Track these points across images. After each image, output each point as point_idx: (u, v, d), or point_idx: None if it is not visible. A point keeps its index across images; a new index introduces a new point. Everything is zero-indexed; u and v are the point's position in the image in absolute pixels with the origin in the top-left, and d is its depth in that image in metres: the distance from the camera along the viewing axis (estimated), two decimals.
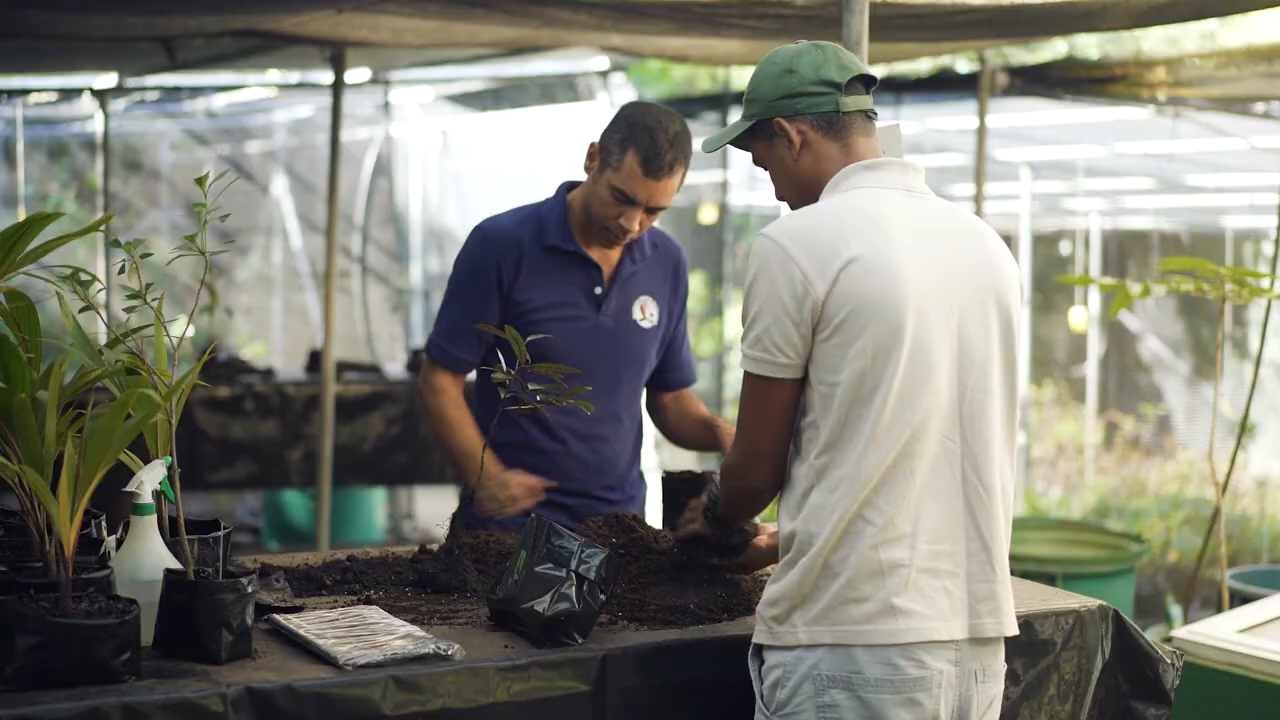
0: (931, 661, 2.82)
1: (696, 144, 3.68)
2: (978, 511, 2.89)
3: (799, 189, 3.05)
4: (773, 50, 3.10)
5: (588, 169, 3.99)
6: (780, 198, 3.13)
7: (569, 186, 4.14)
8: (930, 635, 2.81)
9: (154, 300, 2.82)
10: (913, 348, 2.80)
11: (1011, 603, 2.98)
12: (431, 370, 4.11)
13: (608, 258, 4.09)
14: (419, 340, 13.05)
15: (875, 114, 3.08)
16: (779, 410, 2.88)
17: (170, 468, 2.87)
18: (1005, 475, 2.96)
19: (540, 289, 4.01)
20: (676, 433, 4.34)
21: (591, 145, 3.97)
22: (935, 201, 3.01)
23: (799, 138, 3.00)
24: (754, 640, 2.94)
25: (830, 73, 2.99)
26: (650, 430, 4.51)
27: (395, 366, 10.03)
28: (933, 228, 2.92)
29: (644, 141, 3.84)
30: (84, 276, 2.79)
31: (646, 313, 4.14)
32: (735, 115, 10.22)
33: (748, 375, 2.89)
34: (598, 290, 4.07)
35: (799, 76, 3.00)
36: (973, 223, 3.03)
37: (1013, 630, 2.97)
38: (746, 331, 2.87)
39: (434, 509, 11.02)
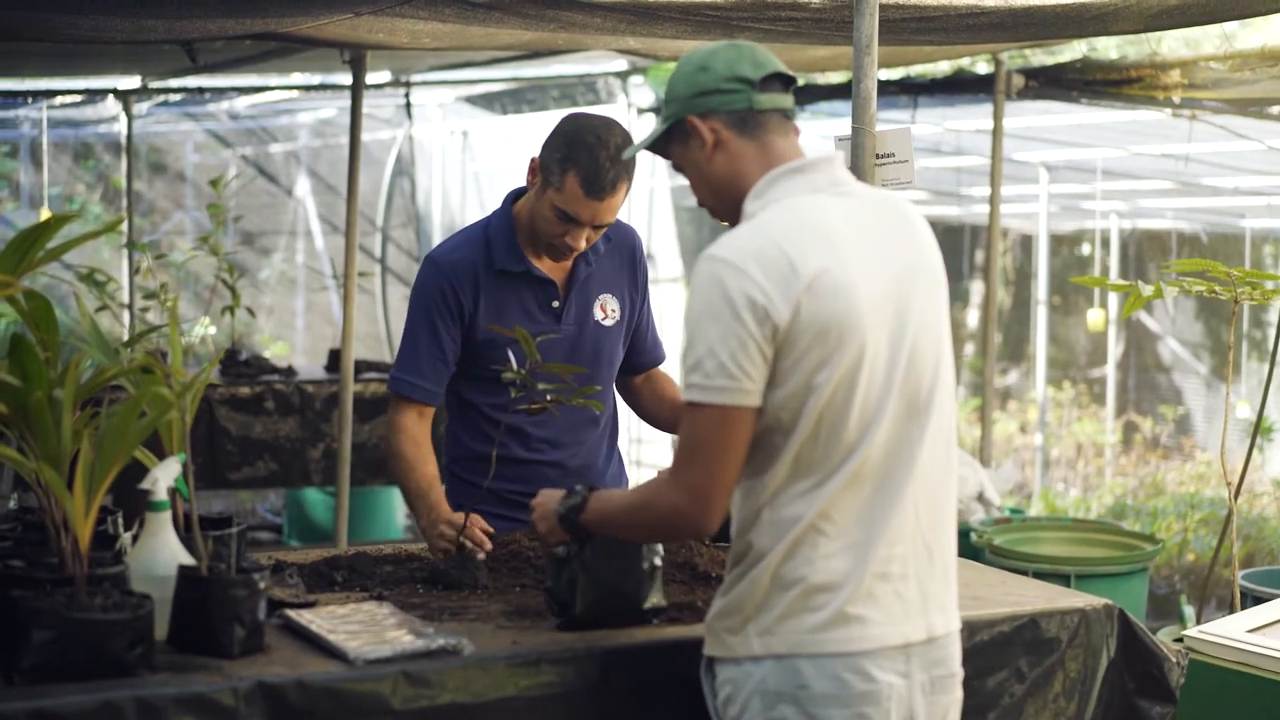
0: (879, 674, 2.78)
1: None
2: (922, 511, 2.84)
3: (715, 192, 2.94)
4: (691, 50, 2.97)
5: (530, 184, 3.91)
6: (700, 203, 3.02)
7: (515, 196, 4.06)
8: (885, 641, 2.78)
9: (169, 300, 2.86)
10: (872, 366, 2.75)
11: (955, 598, 2.95)
12: (397, 409, 4.00)
13: (560, 267, 4.03)
14: None
15: (794, 114, 2.96)
16: (743, 441, 2.74)
17: (185, 465, 2.92)
18: (951, 468, 2.92)
19: (498, 313, 3.96)
20: (653, 415, 4.32)
21: (532, 160, 3.87)
22: (863, 193, 2.91)
23: (712, 136, 2.88)
24: (705, 653, 2.90)
25: (744, 69, 2.87)
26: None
27: None
28: (869, 227, 2.83)
29: (584, 162, 3.73)
30: (100, 277, 2.84)
31: (608, 310, 4.10)
32: None
33: (707, 408, 2.71)
34: (555, 304, 4.02)
35: (712, 73, 2.87)
36: (899, 209, 2.94)
37: (956, 625, 2.94)
38: (701, 362, 2.71)
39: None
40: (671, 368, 4.35)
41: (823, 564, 2.76)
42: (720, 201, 2.95)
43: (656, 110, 10.38)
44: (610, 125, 3.81)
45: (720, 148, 2.89)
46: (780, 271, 2.70)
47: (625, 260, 4.15)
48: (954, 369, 2.96)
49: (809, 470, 2.76)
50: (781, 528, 2.77)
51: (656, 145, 3.01)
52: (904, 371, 2.81)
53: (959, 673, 2.96)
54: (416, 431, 3.98)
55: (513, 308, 3.98)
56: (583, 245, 3.89)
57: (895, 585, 2.81)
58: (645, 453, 11.38)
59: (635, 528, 2.96)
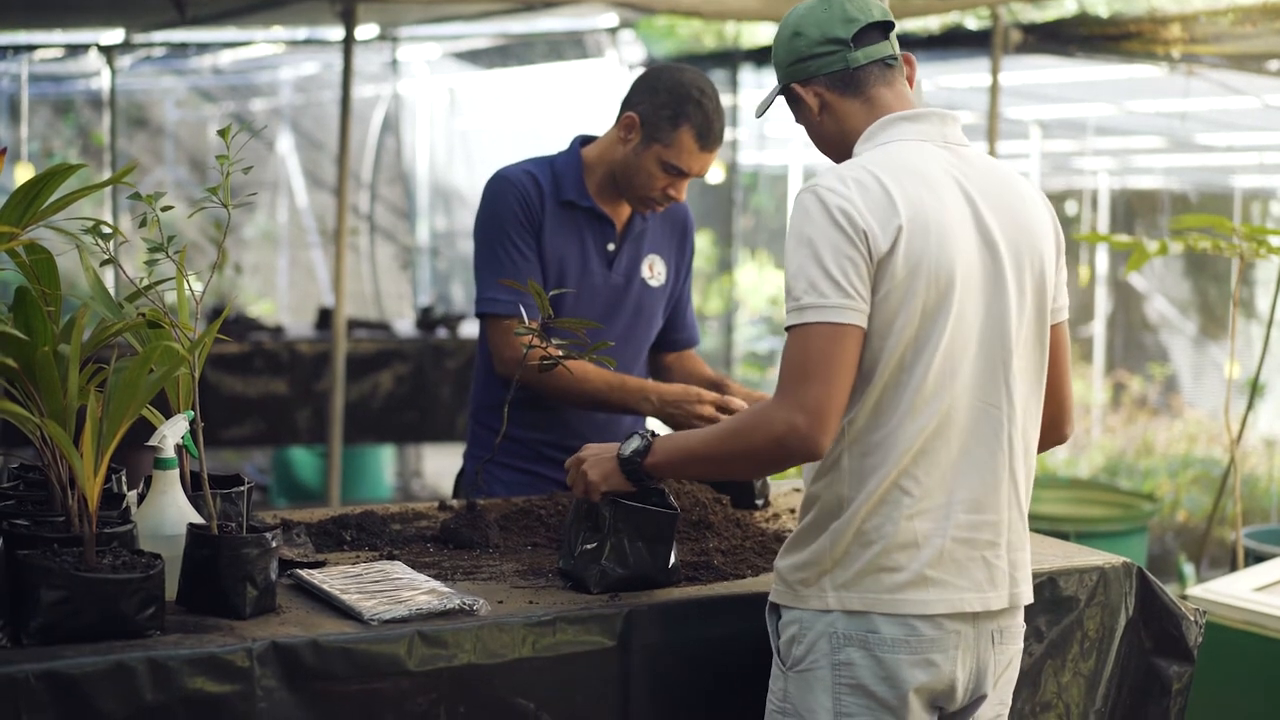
0: (949, 623, 2.78)
1: None
2: (1019, 478, 2.84)
3: (830, 147, 2.99)
4: (789, 9, 3.01)
5: (624, 140, 3.91)
6: (820, 151, 3.07)
7: (583, 141, 4.09)
8: (960, 607, 2.77)
9: (175, 253, 2.80)
10: (958, 314, 2.74)
11: (1030, 567, 2.95)
12: (506, 332, 3.87)
13: (620, 214, 4.05)
14: (427, 298, 13.02)
15: (896, 59, 2.96)
16: (854, 362, 2.69)
17: (193, 422, 2.86)
18: (1033, 436, 2.92)
19: (555, 242, 3.97)
20: None
21: (627, 117, 3.89)
22: (972, 154, 2.91)
23: (816, 100, 2.93)
24: (773, 600, 2.89)
25: (835, 29, 2.90)
26: None
27: (404, 324, 10.02)
28: (973, 184, 2.83)
29: (696, 117, 3.81)
30: (105, 229, 2.77)
31: (655, 271, 4.11)
32: (744, 73, 10.21)
33: (821, 327, 2.66)
34: (610, 246, 4.03)
35: (805, 39, 2.91)
36: (1008, 175, 2.93)
37: (1031, 596, 2.94)
38: (815, 282, 2.67)
39: (442, 466, 11.02)
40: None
41: (905, 524, 2.74)
42: (837, 155, 2.98)
43: (648, 63, 10.31)
44: (701, 75, 3.91)
45: (826, 110, 2.94)
46: (880, 204, 2.71)
47: (676, 230, 4.18)
48: (1045, 346, 2.92)
49: (888, 417, 2.74)
50: (862, 477, 2.75)
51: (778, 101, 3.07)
52: (994, 333, 2.80)
53: (1023, 625, 2.96)
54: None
55: (571, 240, 3.98)
56: (683, 196, 3.95)
57: (983, 552, 2.80)
58: None
59: (733, 456, 2.84)
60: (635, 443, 2.97)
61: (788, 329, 2.73)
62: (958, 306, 2.74)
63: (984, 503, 2.79)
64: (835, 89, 2.92)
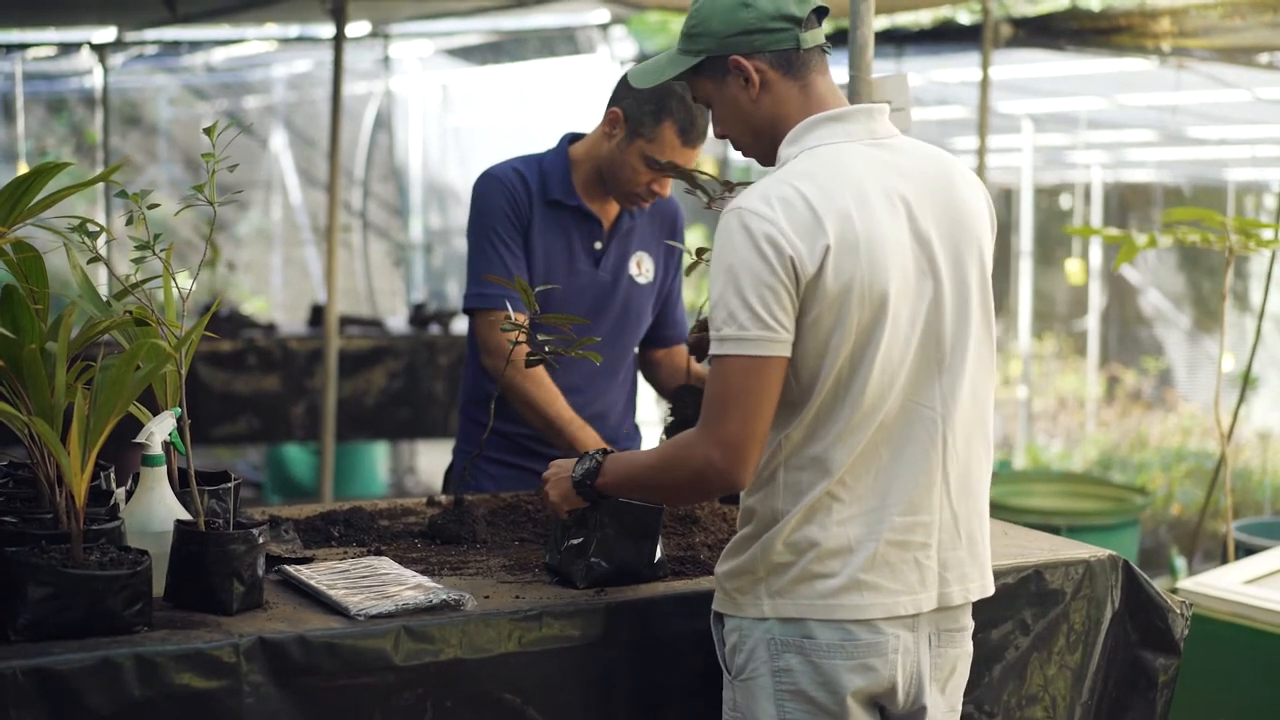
0: (887, 628, 2.75)
1: None
2: (952, 478, 2.79)
3: (754, 131, 2.85)
4: None
5: (609, 135, 3.91)
6: (720, 135, 2.93)
7: (571, 139, 4.09)
8: (895, 611, 2.74)
9: (162, 251, 2.80)
10: (893, 325, 2.69)
11: (984, 566, 2.90)
12: (490, 327, 3.92)
13: (607, 212, 4.06)
14: (420, 295, 13.01)
15: (830, 48, 2.86)
16: (775, 393, 2.65)
17: (180, 419, 2.86)
18: (987, 432, 2.87)
19: (542, 241, 3.97)
20: (670, 388, 4.28)
21: (612, 112, 3.88)
22: (903, 144, 2.83)
23: (758, 77, 2.78)
24: (714, 608, 2.87)
25: (789, 6, 2.77)
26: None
27: (397, 321, 10.02)
28: (908, 180, 2.76)
29: (679, 113, 3.79)
30: (92, 227, 2.77)
31: (643, 269, 4.11)
32: None
33: (741, 360, 2.63)
34: (597, 245, 4.04)
35: (756, 11, 2.76)
36: (940, 162, 2.85)
37: (981, 594, 2.90)
38: (734, 313, 2.62)
39: (436, 463, 11.02)
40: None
41: (837, 529, 2.72)
42: (757, 141, 2.87)
43: (640, 59, 10.30)
44: None
45: (766, 89, 2.80)
46: (806, 225, 2.63)
47: (665, 227, 4.17)
48: (992, 333, 2.88)
49: (826, 431, 2.70)
50: (797, 491, 2.73)
51: (680, 75, 2.91)
52: (929, 335, 2.75)
53: (969, 626, 2.92)
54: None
55: (557, 240, 3.99)
56: (668, 191, 3.95)
57: (915, 554, 2.77)
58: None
59: (661, 486, 2.88)
60: (586, 464, 2.98)
61: (710, 358, 2.70)
62: (892, 319, 2.69)
63: (918, 504, 2.76)
64: (779, 68, 2.79)
